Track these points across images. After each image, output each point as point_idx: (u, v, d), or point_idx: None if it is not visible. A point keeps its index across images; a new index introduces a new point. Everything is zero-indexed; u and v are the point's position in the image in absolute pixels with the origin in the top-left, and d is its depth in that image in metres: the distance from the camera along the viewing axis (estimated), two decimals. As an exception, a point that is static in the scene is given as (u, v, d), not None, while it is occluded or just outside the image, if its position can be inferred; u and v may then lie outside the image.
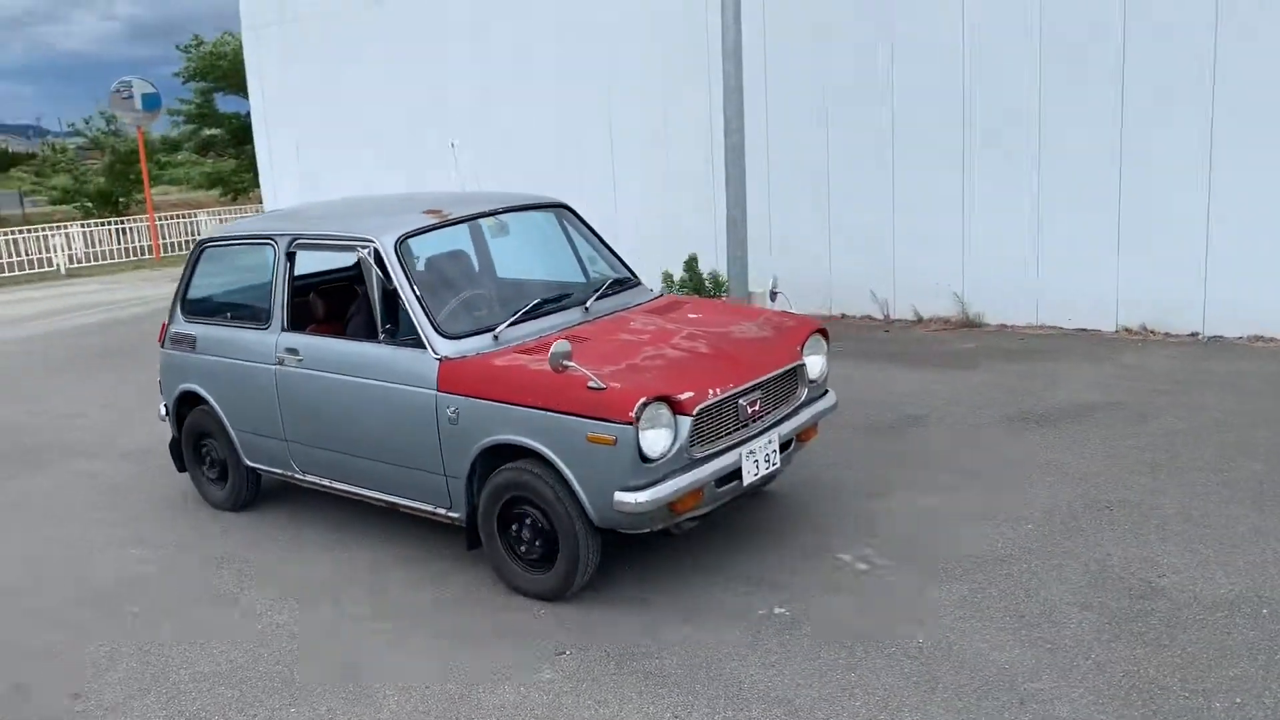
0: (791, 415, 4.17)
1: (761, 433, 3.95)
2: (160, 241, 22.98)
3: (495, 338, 4.12)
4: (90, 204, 27.89)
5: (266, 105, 13.22)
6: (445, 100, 11.39)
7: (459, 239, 4.80)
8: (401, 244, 4.27)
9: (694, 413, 3.64)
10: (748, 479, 3.87)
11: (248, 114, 22.25)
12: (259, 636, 3.92)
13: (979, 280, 8.25)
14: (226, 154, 29.76)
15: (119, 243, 22.40)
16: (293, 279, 4.73)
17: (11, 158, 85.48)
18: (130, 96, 22.06)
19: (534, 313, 4.29)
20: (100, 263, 21.41)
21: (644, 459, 3.52)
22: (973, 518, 4.54)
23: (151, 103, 22.56)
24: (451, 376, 3.97)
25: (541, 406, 3.66)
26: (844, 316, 9.03)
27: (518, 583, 4.00)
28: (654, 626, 3.68)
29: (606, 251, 4.99)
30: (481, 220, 4.76)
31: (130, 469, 6.23)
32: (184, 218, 24.82)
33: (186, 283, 5.29)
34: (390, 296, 4.16)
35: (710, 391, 3.74)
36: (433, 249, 4.54)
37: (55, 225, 22.32)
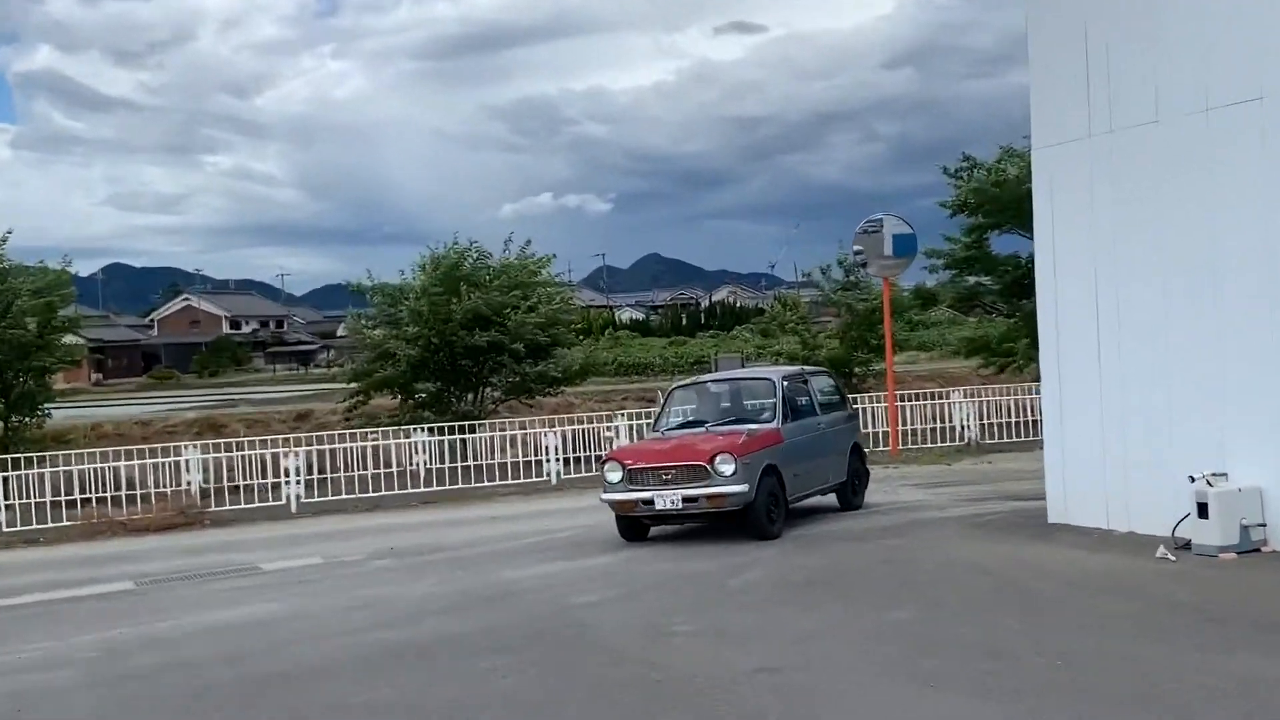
0: (697, 486, 13.57)
1: (672, 489, 13.67)
2: (900, 429, 25.05)
3: (659, 431, 15.54)
4: (820, 374, 31.77)
5: (1059, 247, 13.70)
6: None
7: (706, 389, 16.53)
8: (670, 392, 16.97)
9: (628, 469, 14.01)
10: (658, 506, 13.76)
11: (1029, 258, 23.33)
12: None
13: None
14: (995, 311, 31.47)
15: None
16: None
17: (738, 313, 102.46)
18: (878, 235, 24.74)
19: (683, 426, 15.33)
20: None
21: (607, 481, 14.24)
22: None
23: (904, 247, 24.99)
24: None
25: None
26: None
27: None
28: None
29: (781, 403, 14.88)
30: (716, 380, 17.34)
31: None
32: (932, 398, 26.73)
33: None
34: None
35: (640, 463, 14.10)
36: (688, 393, 16.62)
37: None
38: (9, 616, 12.78)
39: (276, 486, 21.20)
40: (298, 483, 21.02)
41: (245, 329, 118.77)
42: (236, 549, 16.63)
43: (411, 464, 23.29)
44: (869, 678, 8.14)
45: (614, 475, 14.00)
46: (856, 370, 34.03)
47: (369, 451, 22.42)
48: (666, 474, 13.71)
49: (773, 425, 14.50)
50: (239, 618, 11.68)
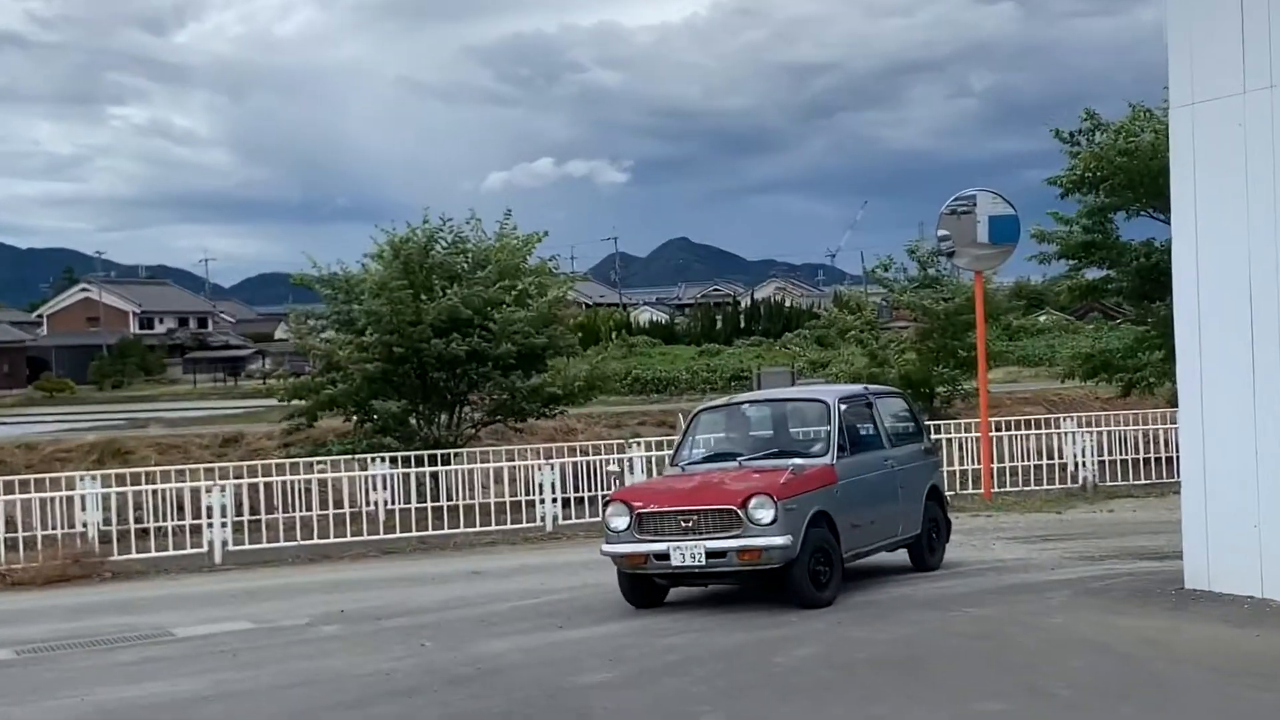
0: (725, 537, 13.41)
1: (693, 539, 13.53)
2: (996, 466, 24.95)
3: (679, 465, 15.53)
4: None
5: (1203, 232, 13.63)
6: None
7: (740, 412, 16.91)
8: (694, 415, 16.64)
9: (636, 513, 13.95)
10: (674, 562, 13.57)
11: (1165, 246, 23.13)
12: None
13: None
14: (1118, 314, 31.40)
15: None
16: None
17: (788, 316, 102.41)
18: (969, 217, 24.67)
19: (709, 459, 15.44)
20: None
21: (610, 529, 14.23)
22: None
23: (1004, 233, 24.94)
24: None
25: None
26: None
27: None
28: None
29: (837, 432, 14.79)
30: (754, 401, 17.60)
31: None
32: (1037, 427, 26.63)
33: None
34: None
35: (651, 506, 14.03)
36: (717, 417, 16.96)
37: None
38: None
39: (197, 530, 21.25)
40: (223, 525, 21.01)
41: (159, 328, 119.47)
42: (144, 609, 16.69)
43: (368, 503, 23.33)
44: (952, 789, 8.10)
45: (619, 521, 13.98)
46: (939, 390, 34.00)
47: (314, 487, 22.43)
48: (686, 520, 13.64)
49: (825, 460, 14.51)
50: (145, 697, 11.67)
